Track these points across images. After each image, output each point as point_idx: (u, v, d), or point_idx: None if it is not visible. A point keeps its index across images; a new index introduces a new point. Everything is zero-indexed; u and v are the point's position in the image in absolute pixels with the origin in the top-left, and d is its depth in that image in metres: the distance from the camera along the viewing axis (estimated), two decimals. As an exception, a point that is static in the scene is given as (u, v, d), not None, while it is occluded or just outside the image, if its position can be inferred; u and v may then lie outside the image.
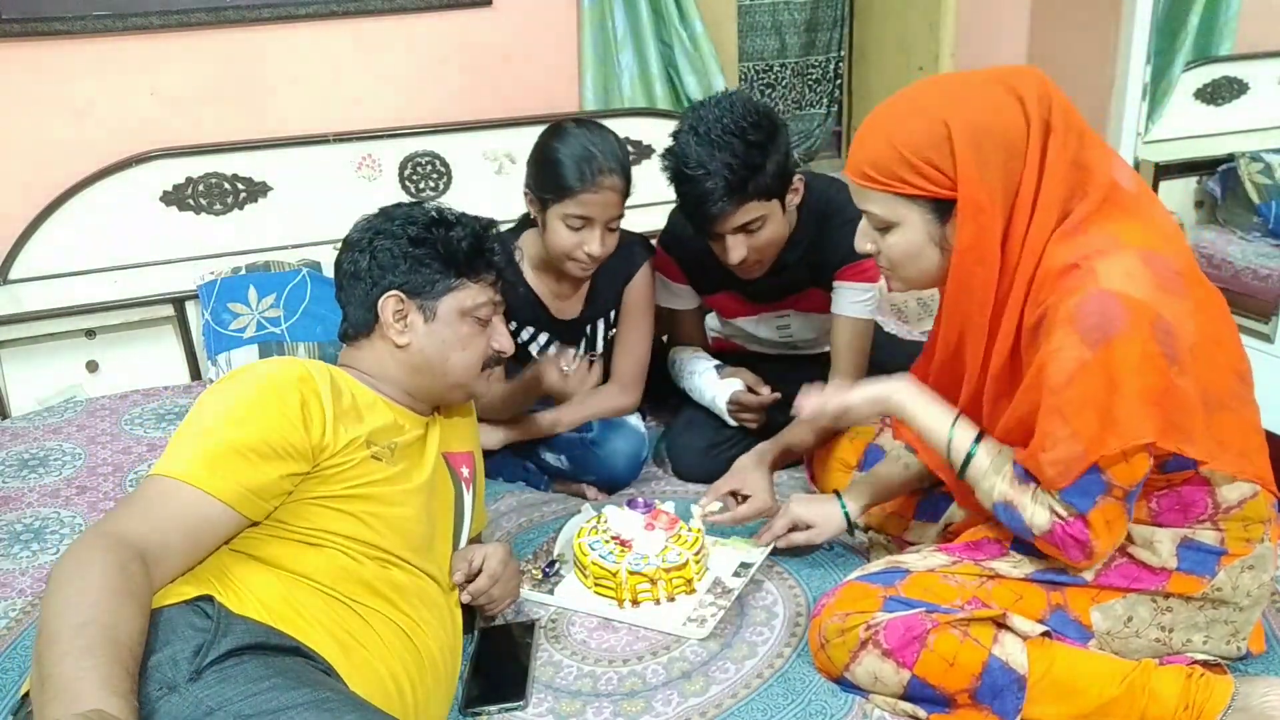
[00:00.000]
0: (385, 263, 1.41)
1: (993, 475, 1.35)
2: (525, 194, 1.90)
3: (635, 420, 2.09)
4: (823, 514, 1.65)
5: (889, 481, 1.65)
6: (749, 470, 1.81)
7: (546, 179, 1.84)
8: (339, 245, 1.50)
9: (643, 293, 2.04)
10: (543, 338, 2.05)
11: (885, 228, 1.35)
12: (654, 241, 2.11)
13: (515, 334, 1.95)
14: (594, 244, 1.84)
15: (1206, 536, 1.34)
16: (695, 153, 1.72)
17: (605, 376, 2.06)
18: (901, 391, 1.45)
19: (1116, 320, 1.19)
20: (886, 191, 1.32)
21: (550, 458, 2.05)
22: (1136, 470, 1.25)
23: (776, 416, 1.95)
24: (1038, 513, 1.31)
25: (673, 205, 1.95)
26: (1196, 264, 1.32)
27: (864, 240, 1.41)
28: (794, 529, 1.66)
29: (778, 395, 1.95)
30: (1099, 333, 1.19)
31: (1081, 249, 1.24)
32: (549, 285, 2.01)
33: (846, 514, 1.64)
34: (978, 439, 1.38)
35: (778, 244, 1.86)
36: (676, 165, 1.77)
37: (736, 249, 1.80)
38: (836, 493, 1.66)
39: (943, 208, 1.30)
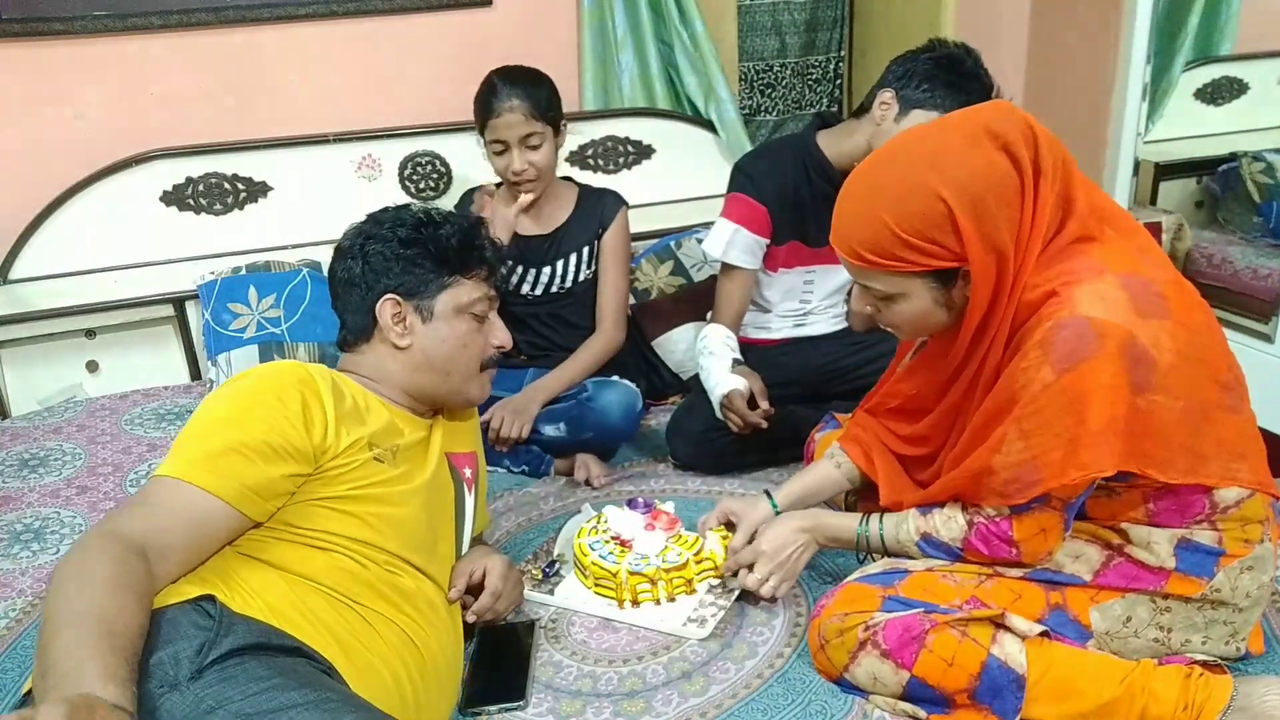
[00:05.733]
0: (378, 266, 1.42)
1: (903, 525, 1.43)
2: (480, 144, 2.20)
3: (626, 382, 2.17)
4: (751, 506, 1.65)
5: (821, 480, 1.66)
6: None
7: (476, 122, 2.15)
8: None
9: (618, 238, 2.26)
10: (517, 270, 2.23)
11: (887, 299, 1.36)
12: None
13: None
14: (515, 162, 2.09)
15: (1204, 537, 1.34)
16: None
17: (591, 326, 2.24)
18: (806, 522, 1.54)
19: (1087, 347, 1.21)
20: (887, 271, 1.31)
21: (549, 429, 2.10)
22: (1077, 487, 1.29)
23: (772, 426, 1.98)
24: (948, 524, 1.38)
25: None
26: (1179, 276, 1.34)
27: (861, 304, 1.40)
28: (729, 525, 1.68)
29: (763, 424, 1.96)
30: (1068, 360, 1.22)
31: (1060, 276, 1.27)
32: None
33: (775, 507, 1.64)
34: (880, 521, 1.47)
35: None
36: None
37: None
38: (767, 492, 1.67)
39: (946, 273, 1.30)
